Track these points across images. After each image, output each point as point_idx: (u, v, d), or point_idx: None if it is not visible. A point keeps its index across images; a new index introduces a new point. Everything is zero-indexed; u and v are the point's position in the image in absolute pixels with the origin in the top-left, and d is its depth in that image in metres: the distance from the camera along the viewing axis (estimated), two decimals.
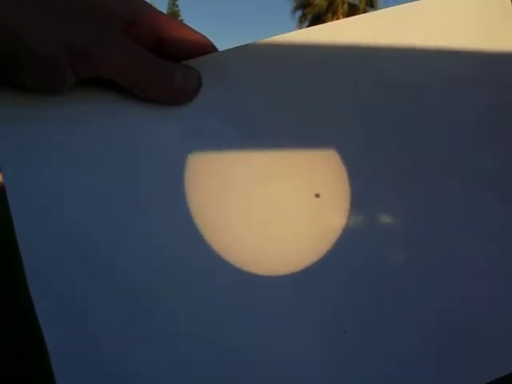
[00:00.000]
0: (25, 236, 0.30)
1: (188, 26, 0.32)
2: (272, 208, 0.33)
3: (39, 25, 0.27)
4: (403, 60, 0.34)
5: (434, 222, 0.34)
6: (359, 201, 0.34)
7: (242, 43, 0.33)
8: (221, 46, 0.34)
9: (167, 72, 0.31)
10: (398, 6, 0.35)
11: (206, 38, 0.33)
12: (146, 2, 0.31)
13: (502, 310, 0.35)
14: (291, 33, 0.33)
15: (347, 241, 0.33)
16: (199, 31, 0.33)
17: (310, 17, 19.56)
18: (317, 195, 0.34)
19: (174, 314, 0.32)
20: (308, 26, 0.35)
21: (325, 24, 0.34)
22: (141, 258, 0.31)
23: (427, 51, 0.34)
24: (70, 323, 0.31)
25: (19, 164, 0.31)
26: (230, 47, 0.33)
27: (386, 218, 0.34)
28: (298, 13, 20.59)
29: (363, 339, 0.33)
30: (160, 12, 0.32)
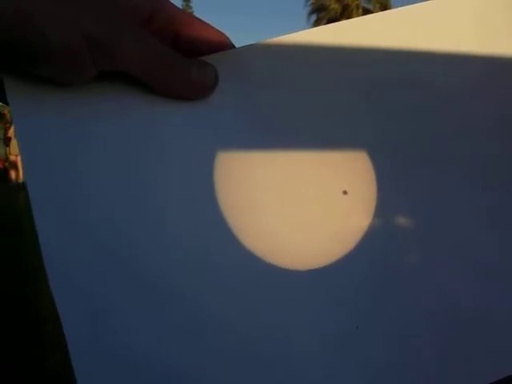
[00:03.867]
0: (45, 230, 0.31)
1: (206, 23, 0.33)
2: (298, 203, 0.33)
3: (59, 16, 0.27)
4: (417, 59, 0.35)
5: (457, 222, 0.34)
6: (386, 200, 0.34)
7: None
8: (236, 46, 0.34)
9: (185, 67, 0.31)
10: (410, 6, 0.35)
11: (224, 35, 0.33)
12: None
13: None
14: (307, 30, 0.34)
15: (372, 239, 0.33)
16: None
17: (324, 21, 19.53)
18: (344, 192, 0.34)
19: (196, 308, 0.32)
20: None
21: (340, 22, 0.34)
22: (160, 252, 0.32)
23: (434, 52, 0.35)
24: (90, 317, 0.31)
25: (39, 156, 0.31)
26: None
27: (410, 219, 0.34)
28: (313, 17, 20.58)
29: (375, 336, 0.33)
30: (178, 8, 0.32)
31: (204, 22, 0.33)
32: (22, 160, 0.32)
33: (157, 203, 0.32)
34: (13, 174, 7.59)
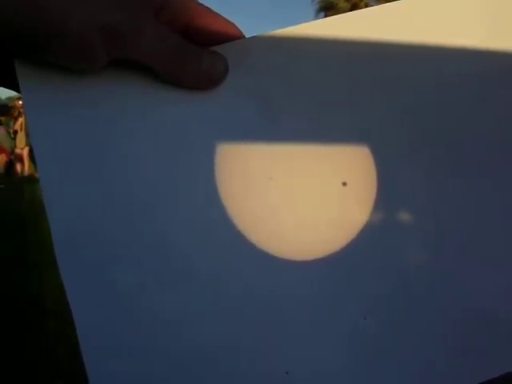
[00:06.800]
0: (57, 221, 0.31)
1: (216, 13, 0.33)
2: (299, 193, 0.33)
3: (73, 3, 0.28)
4: (422, 53, 0.35)
5: (459, 219, 0.34)
6: (385, 193, 0.34)
7: None
8: None
9: (195, 57, 0.32)
10: None
11: (233, 25, 0.33)
12: None
13: None
14: (316, 21, 0.34)
15: (370, 231, 0.33)
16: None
17: None
18: (344, 184, 0.34)
19: (204, 298, 0.32)
20: None
21: (348, 13, 0.34)
22: (172, 243, 0.32)
23: (441, 46, 0.35)
24: (102, 311, 0.31)
25: (50, 143, 0.31)
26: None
27: (409, 212, 0.34)
28: (321, 15, 20.54)
29: (381, 327, 0.33)
30: None
31: (214, 12, 0.33)
32: (33, 147, 0.32)
33: (167, 192, 0.32)
34: (18, 167, 7.61)
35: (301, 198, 0.33)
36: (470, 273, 0.34)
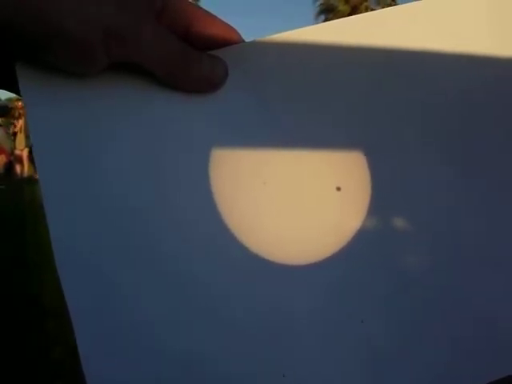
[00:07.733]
0: (55, 221, 0.31)
1: (216, 17, 0.33)
2: (293, 198, 0.34)
3: (70, 4, 0.28)
4: (420, 57, 0.35)
5: (456, 222, 0.35)
6: (379, 197, 0.34)
7: None
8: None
9: (196, 60, 0.32)
10: (417, 2, 0.35)
11: (233, 29, 0.33)
12: None
13: None
14: (315, 26, 0.34)
15: (365, 236, 0.34)
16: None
17: None
18: (338, 189, 0.34)
19: (201, 301, 0.32)
20: None
21: (348, 18, 0.34)
22: (169, 244, 0.32)
23: (439, 51, 0.35)
24: (99, 310, 0.31)
25: (50, 145, 0.31)
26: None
27: (405, 216, 0.34)
28: (321, 18, 20.52)
29: (379, 330, 0.33)
30: (189, 2, 0.33)
31: (214, 16, 0.33)
32: (33, 149, 0.32)
33: (165, 194, 0.32)
34: (18, 168, 7.60)
35: (295, 203, 0.34)
36: (469, 275, 0.34)
